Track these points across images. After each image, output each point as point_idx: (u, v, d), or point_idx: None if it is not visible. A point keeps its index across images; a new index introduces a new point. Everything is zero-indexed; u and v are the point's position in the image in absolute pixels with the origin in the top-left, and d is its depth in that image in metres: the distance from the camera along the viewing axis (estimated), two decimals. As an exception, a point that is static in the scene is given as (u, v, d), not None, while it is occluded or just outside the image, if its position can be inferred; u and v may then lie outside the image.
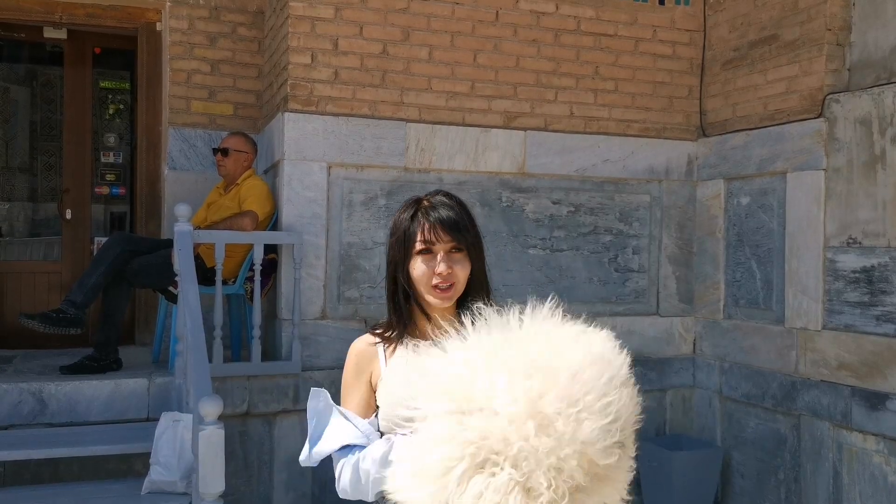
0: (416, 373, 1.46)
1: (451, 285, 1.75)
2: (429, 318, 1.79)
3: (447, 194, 1.83)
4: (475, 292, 1.79)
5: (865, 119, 4.14)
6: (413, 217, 1.79)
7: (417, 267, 1.75)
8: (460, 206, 1.81)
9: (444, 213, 1.76)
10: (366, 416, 1.77)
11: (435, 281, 1.74)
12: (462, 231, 1.77)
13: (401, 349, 1.79)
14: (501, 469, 1.24)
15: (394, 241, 1.81)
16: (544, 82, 4.91)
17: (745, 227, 4.89)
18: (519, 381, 1.29)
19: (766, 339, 4.66)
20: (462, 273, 1.76)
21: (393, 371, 1.75)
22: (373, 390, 1.78)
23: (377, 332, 1.84)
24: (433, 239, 1.74)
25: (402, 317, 1.80)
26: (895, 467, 3.92)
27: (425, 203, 1.80)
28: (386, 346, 1.80)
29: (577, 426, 1.26)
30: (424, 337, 1.78)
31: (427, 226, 1.75)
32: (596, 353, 1.38)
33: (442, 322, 1.74)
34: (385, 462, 1.57)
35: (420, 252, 1.75)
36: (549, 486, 1.22)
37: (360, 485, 1.66)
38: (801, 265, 4.45)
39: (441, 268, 1.73)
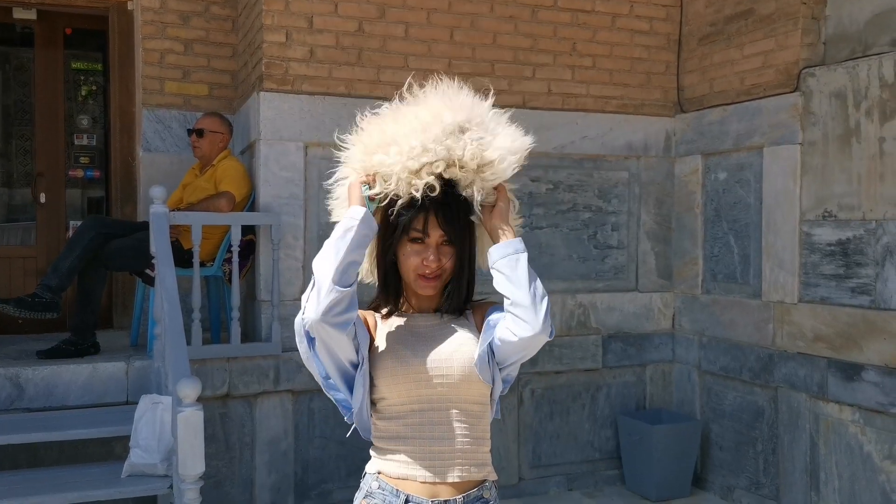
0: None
1: (438, 276, 1.78)
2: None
3: (446, 180, 1.76)
4: (458, 278, 1.81)
5: (840, 93, 4.16)
6: (412, 204, 1.73)
7: (408, 255, 1.77)
8: (456, 199, 1.76)
9: (441, 206, 1.74)
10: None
11: (423, 271, 1.77)
12: (454, 225, 1.77)
13: (394, 318, 1.83)
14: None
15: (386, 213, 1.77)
16: (522, 59, 4.89)
17: (722, 203, 4.91)
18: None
19: (743, 312, 4.70)
20: (450, 264, 1.79)
21: (384, 340, 1.78)
22: (369, 337, 1.77)
23: (372, 306, 1.87)
24: (428, 231, 1.75)
25: (393, 291, 1.83)
26: (871, 437, 3.97)
27: (427, 185, 1.74)
28: (381, 317, 1.84)
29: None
30: (414, 311, 1.85)
31: (423, 217, 1.74)
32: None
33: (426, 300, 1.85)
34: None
35: (413, 240, 1.76)
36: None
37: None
38: (777, 239, 4.49)
39: (430, 260, 1.75)
